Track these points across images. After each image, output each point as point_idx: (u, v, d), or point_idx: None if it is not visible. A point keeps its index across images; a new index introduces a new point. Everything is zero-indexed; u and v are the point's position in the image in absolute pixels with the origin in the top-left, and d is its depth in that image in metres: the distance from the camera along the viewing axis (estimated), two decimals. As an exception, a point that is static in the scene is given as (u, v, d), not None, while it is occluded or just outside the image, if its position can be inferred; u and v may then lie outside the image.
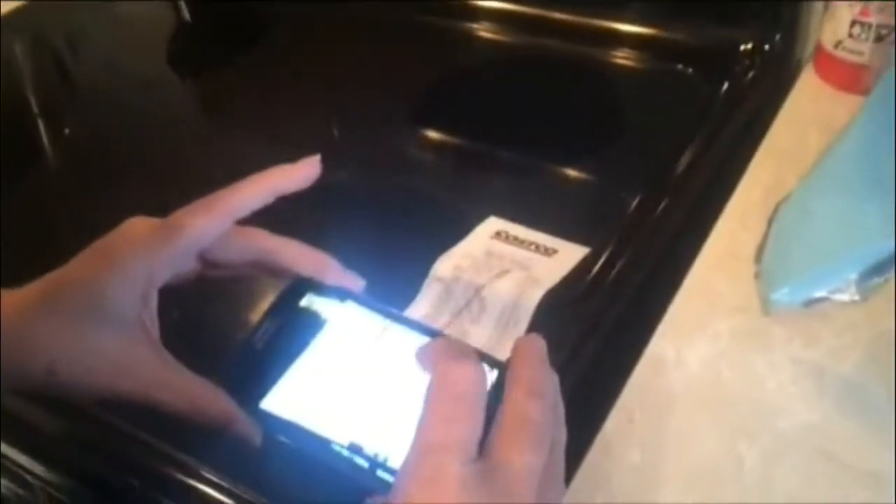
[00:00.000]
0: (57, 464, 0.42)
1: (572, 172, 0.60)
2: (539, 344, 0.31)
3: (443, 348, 0.31)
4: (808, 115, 0.57)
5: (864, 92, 0.55)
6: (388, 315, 0.35)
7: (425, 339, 0.33)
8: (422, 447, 0.27)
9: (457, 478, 0.26)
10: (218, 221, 0.37)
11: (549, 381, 0.30)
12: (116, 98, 0.72)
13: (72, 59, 0.82)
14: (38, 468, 0.43)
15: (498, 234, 0.51)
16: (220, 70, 0.75)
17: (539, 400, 0.29)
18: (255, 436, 0.35)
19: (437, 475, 0.26)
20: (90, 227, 0.38)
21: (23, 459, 0.43)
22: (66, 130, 0.71)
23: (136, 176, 0.61)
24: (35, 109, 0.73)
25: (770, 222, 0.47)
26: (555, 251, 0.49)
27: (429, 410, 0.28)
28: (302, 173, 0.39)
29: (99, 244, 0.37)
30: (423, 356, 0.31)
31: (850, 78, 0.57)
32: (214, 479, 0.39)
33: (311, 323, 0.36)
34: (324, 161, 0.39)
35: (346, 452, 0.31)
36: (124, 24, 0.81)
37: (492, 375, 0.31)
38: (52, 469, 0.42)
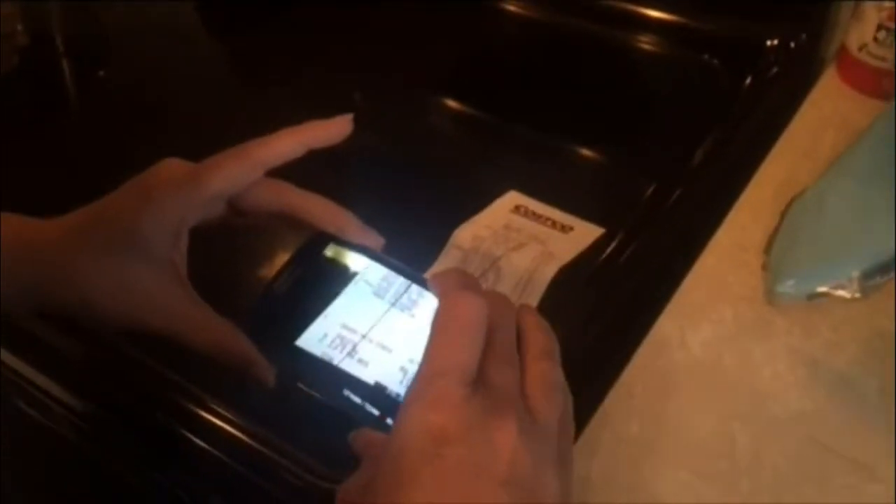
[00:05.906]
0: (83, 391, 0.44)
1: (592, 154, 0.61)
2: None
3: (452, 278, 0.34)
4: (826, 115, 0.58)
5: (885, 97, 0.56)
6: (407, 274, 0.36)
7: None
8: (427, 372, 0.30)
9: (460, 396, 0.29)
10: (249, 170, 0.38)
11: (554, 342, 0.33)
12: (147, 47, 0.73)
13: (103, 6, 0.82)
14: (62, 393, 0.45)
15: (517, 209, 0.53)
16: (248, 30, 0.76)
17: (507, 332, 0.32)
18: (271, 379, 0.37)
19: (442, 396, 0.29)
20: (118, 175, 0.39)
21: (46, 383, 0.45)
22: (100, 73, 0.72)
23: (161, 128, 0.62)
24: (64, 51, 0.74)
25: (783, 216, 0.48)
26: (571, 228, 0.51)
27: (435, 338, 0.31)
28: (333, 130, 0.40)
29: (135, 181, 0.38)
30: (434, 284, 0.35)
31: (871, 82, 0.58)
32: (232, 416, 0.41)
33: (332, 275, 0.37)
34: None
35: (358, 399, 0.33)
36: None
37: None
38: (78, 396, 0.44)
